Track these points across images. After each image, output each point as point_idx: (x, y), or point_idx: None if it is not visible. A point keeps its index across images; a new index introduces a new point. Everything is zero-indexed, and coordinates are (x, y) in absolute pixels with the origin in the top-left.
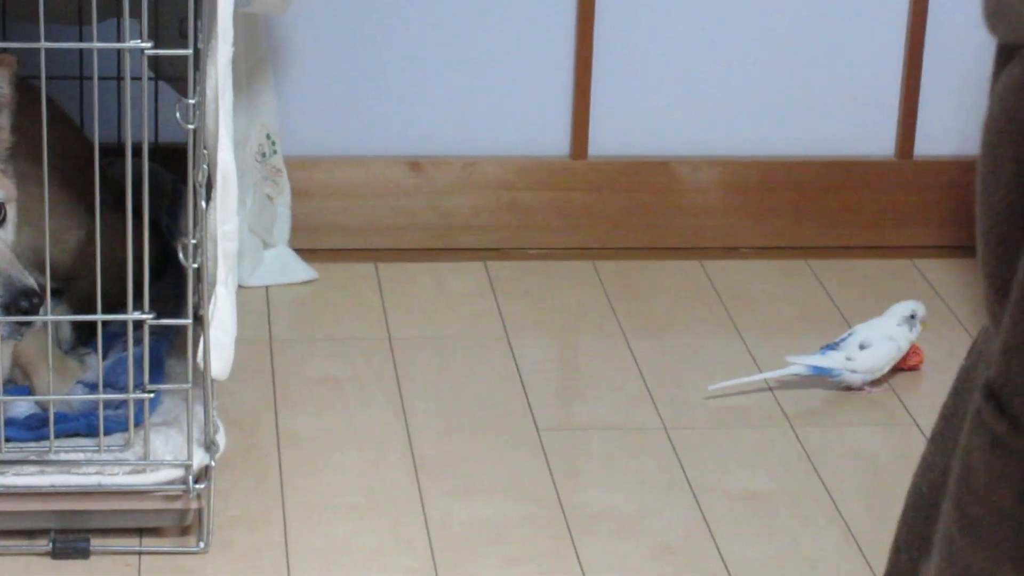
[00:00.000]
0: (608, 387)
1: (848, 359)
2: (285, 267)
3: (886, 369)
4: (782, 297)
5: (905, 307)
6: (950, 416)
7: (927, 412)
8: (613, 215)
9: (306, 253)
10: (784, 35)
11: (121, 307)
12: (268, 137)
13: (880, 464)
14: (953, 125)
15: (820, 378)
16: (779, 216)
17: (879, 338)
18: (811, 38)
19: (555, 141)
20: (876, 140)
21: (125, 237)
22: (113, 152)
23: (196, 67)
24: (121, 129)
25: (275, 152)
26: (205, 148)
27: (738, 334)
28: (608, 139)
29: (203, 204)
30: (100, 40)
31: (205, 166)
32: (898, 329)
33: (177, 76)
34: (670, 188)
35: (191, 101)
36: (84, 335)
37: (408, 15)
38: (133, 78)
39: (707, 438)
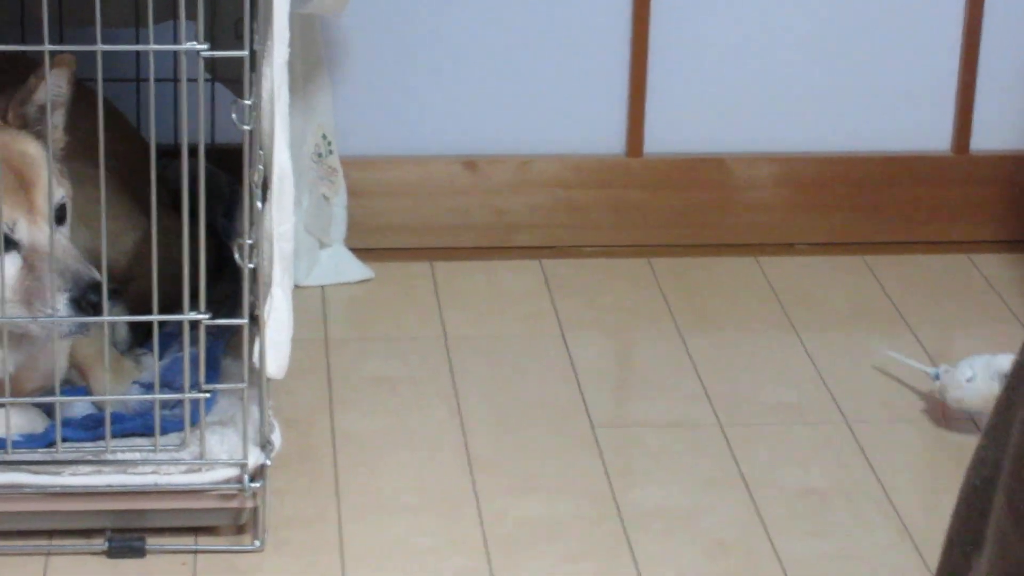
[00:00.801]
0: (663, 384)
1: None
2: (341, 266)
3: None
4: (838, 293)
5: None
6: (1004, 410)
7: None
8: (668, 212)
9: (362, 252)
10: (839, 29)
11: (177, 308)
12: (324, 137)
13: (935, 461)
14: (1009, 119)
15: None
16: (835, 212)
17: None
18: (866, 32)
19: (611, 139)
20: (932, 135)
21: (181, 238)
22: (169, 154)
23: (252, 68)
24: (177, 130)
25: (331, 152)
26: (261, 149)
27: (794, 331)
28: (663, 136)
29: (259, 204)
30: (157, 42)
31: (261, 167)
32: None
33: (233, 78)
34: (725, 185)
35: (247, 102)
36: (140, 336)
37: (461, 14)
38: (189, 80)
39: (762, 435)
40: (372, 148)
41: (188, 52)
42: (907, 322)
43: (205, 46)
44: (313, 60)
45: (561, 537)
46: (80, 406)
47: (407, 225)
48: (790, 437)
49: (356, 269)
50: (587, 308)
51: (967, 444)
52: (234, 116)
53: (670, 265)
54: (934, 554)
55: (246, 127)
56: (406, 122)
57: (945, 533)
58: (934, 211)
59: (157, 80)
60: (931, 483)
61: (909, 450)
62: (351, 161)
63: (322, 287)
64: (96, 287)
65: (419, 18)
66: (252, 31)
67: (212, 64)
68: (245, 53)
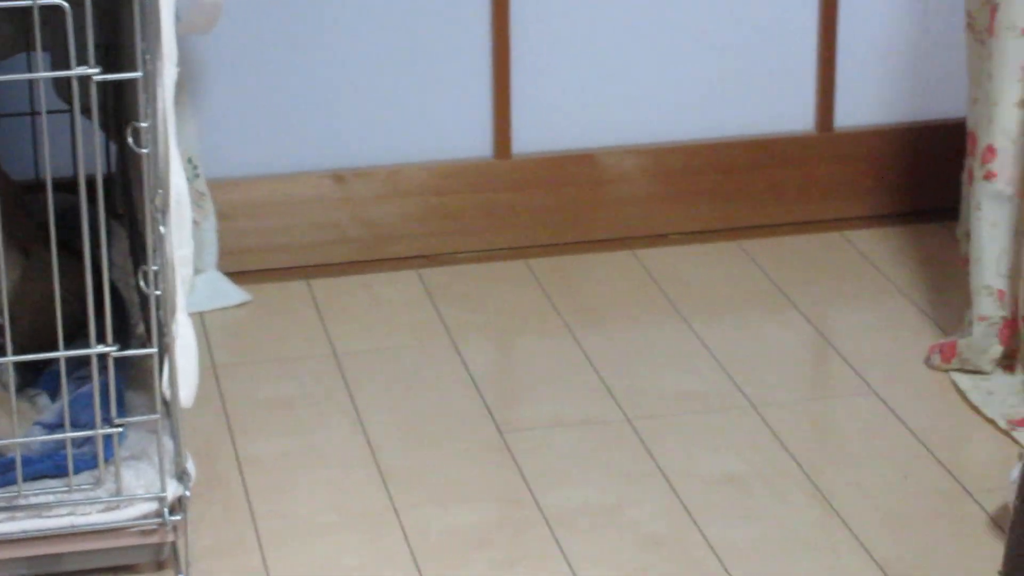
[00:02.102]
0: (563, 383)
1: None
2: (217, 292)
3: None
4: (719, 279)
5: None
6: None
7: (883, 380)
8: (541, 212)
9: (237, 276)
10: (696, 16)
11: (69, 343)
12: (190, 161)
13: (846, 435)
14: (871, 94)
15: None
16: (706, 199)
17: None
18: (723, 17)
19: (478, 142)
20: (796, 116)
21: (64, 273)
22: (33, 188)
23: (146, 90)
24: (39, 163)
25: (197, 176)
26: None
27: (683, 320)
28: (531, 136)
29: (162, 229)
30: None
31: (160, 191)
32: None
33: (89, 107)
34: (596, 180)
35: (143, 124)
36: (29, 376)
37: (321, 28)
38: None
39: (671, 425)
40: (238, 169)
41: (79, 77)
42: (791, 301)
43: (97, 70)
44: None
45: (489, 544)
46: None
47: (280, 244)
48: (700, 425)
49: (233, 293)
50: (472, 314)
51: (877, 417)
52: (130, 140)
53: (548, 264)
54: (862, 527)
55: (144, 150)
56: (271, 140)
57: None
58: (803, 191)
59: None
60: (846, 458)
61: (819, 428)
62: (218, 184)
63: (200, 314)
64: None
65: (278, 34)
66: (144, 52)
67: (68, 93)
68: (140, 74)
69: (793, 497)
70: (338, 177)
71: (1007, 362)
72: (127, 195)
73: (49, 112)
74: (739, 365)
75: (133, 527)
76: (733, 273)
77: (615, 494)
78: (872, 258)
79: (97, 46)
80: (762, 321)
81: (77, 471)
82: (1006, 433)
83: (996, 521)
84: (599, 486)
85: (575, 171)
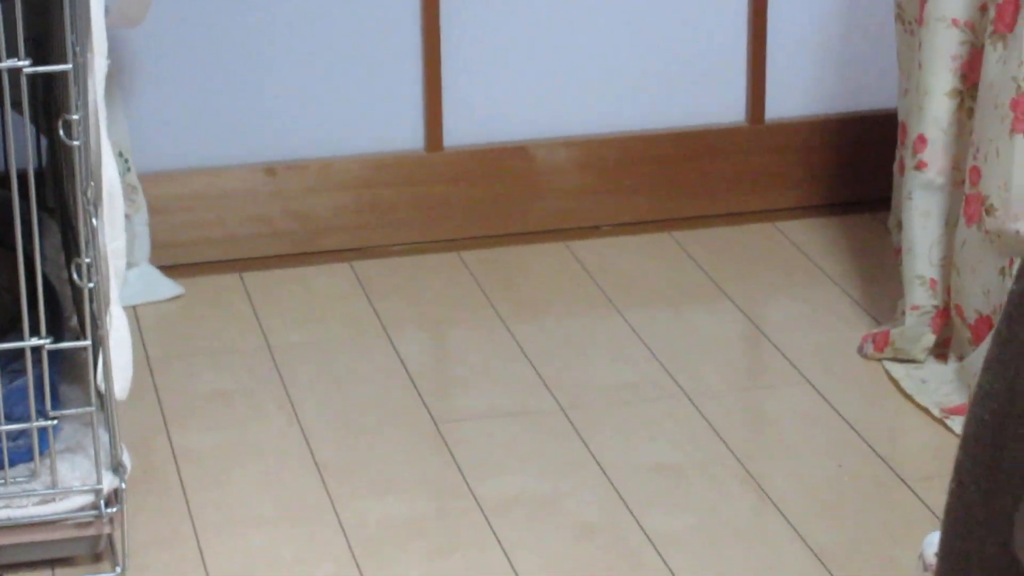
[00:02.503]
0: (498, 375)
1: None
2: (150, 285)
3: None
4: (652, 271)
5: None
6: (1006, 342)
7: (817, 370)
8: (474, 204)
9: (169, 269)
10: (628, 10)
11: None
12: (120, 155)
13: (781, 425)
14: (801, 86)
15: None
16: (639, 191)
17: None
18: (655, 11)
19: (409, 135)
20: (728, 107)
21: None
22: None
23: (76, 82)
24: None
25: (129, 170)
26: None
27: (616, 310)
28: (462, 128)
29: (94, 222)
30: None
31: (92, 184)
32: None
33: (16, 100)
34: (528, 172)
35: (75, 117)
36: None
37: (250, 20)
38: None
39: (605, 416)
40: (169, 162)
41: (9, 70)
42: (724, 292)
43: (27, 62)
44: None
45: (426, 534)
46: None
47: (212, 238)
48: (634, 415)
49: (165, 287)
50: (406, 306)
51: (810, 405)
52: (61, 133)
53: (481, 257)
54: (798, 516)
55: (75, 142)
56: (202, 133)
57: (953, 470)
58: (736, 183)
59: None
60: (781, 447)
61: (753, 417)
62: (149, 177)
63: (134, 307)
64: None
65: (208, 27)
66: (74, 44)
67: None
68: (70, 66)
69: (728, 486)
70: (269, 170)
71: (940, 351)
72: (58, 189)
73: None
74: (673, 356)
75: (69, 519)
76: (666, 265)
77: (551, 484)
78: (805, 249)
79: (26, 39)
80: (696, 312)
81: (12, 464)
82: (940, 421)
83: (931, 509)
84: (535, 476)
85: (507, 163)
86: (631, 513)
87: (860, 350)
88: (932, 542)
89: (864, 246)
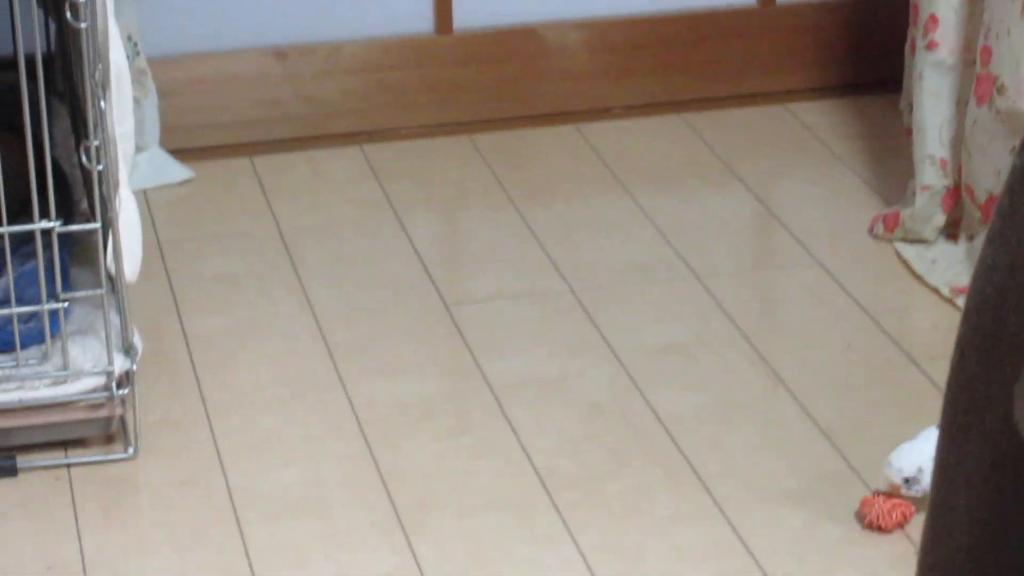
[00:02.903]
0: (508, 257)
1: None
2: (160, 169)
3: None
4: (663, 153)
5: None
6: (1008, 215)
7: (827, 250)
8: (484, 87)
9: (179, 153)
10: None
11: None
12: (129, 39)
13: (790, 305)
14: None
15: None
16: (649, 73)
17: None
18: None
19: (419, 17)
20: None
21: (6, 151)
22: None
23: None
24: None
25: (138, 54)
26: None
27: (627, 192)
28: (472, 11)
29: (102, 104)
30: None
31: (100, 66)
32: None
33: None
34: (538, 54)
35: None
36: None
37: None
38: None
39: (616, 297)
40: (178, 46)
41: None
42: (735, 174)
43: None
44: None
45: (436, 415)
46: None
47: (222, 122)
48: (643, 296)
49: (176, 170)
50: (417, 189)
51: (820, 286)
52: (68, 15)
53: (492, 140)
54: (807, 395)
55: (83, 25)
56: (211, 16)
57: (955, 343)
58: (746, 64)
59: None
60: (792, 327)
61: (763, 298)
62: (158, 61)
63: (144, 191)
64: None
65: None
66: None
67: None
68: None
69: (737, 366)
70: (279, 54)
71: (950, 231)
72: (67, 73)
73: None
74: (683, 237)
75: (81, 401)
76: (677, 146)
77: (560, 364)
78: (815, 130)
79: None
80: (706, 193)
81: (24, 347)
82: (949, 301)
83: (939, 388)
84: (544, 357)
85: (517, 46)
86: (640, 393)
87: (870, 231)
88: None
89: (875, 127)
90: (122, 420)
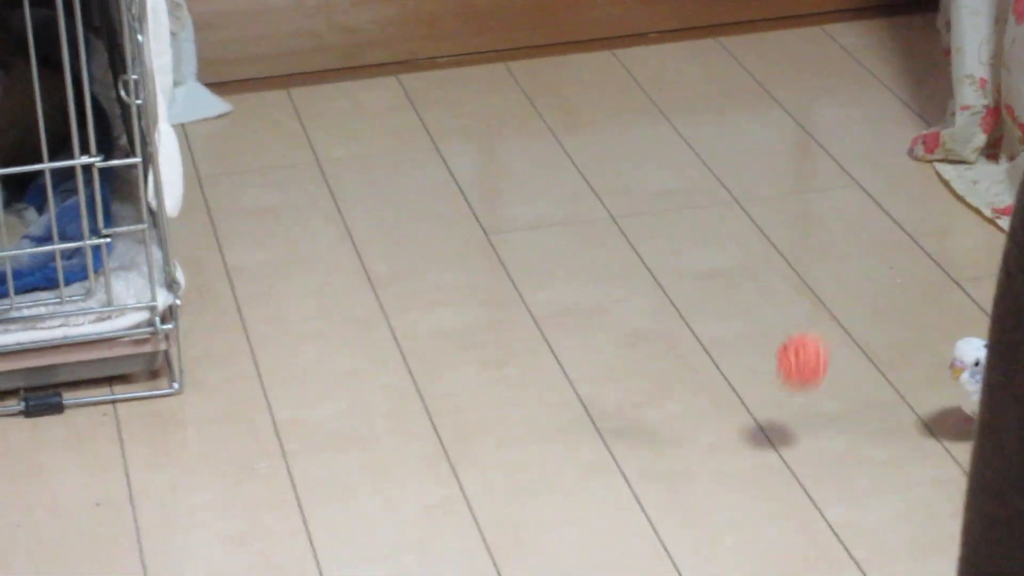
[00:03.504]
0: (547, 184)
1: None
2: (197, 103)
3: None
4: (700, 77)
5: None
6: None
7: (867, 172)
8: (519, 14)
9: (216, 87)
10: None
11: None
12: None
13: (831, 228)
14: None
15: None
16: None
17: None
18: None
19: None
20: None
21: (43, 87)
22: (10, 3)
23: None
24: None
25: None
26: None
27: (665, 118)
28: None
29: (140, 38)
30: None
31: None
32: None
33: None
34: None
35: None
36: (15, 191)
37: None
38: None
39: (656, 223)
40: None
41: None
42: (773, 97)
43: None
44: None
45: (478, 344)
46: None
47: (258, 54)
48: (684, 222)
49: (213, 104)
50: (454, 118)
51: (862, 208)
52: None
53: (528, 67)
54: (849, 318)
55: None
56: None
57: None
58: None
59: None
60: (833, 250)
61: (803, 221)
62: None
63: (182, 125)
64: None
65: None
66: None
67: None
68: None
69: (779, 290)
70: None
71: (990, 151)
72: (103, 7)
73: None
74: (722, 161)
75: (125, 336)
76: (714, 70)
77: (601, 292)
78: (853, 52)
79: None
80: (744, 117)
81: (67, 283)
82: (991, 221)
83: (982, 308)
84: (585, 285)
85: None
86: (682, 319)
87: (910, 152)
88: (962, 347)
89: (913, 47)
90: (166, 355)
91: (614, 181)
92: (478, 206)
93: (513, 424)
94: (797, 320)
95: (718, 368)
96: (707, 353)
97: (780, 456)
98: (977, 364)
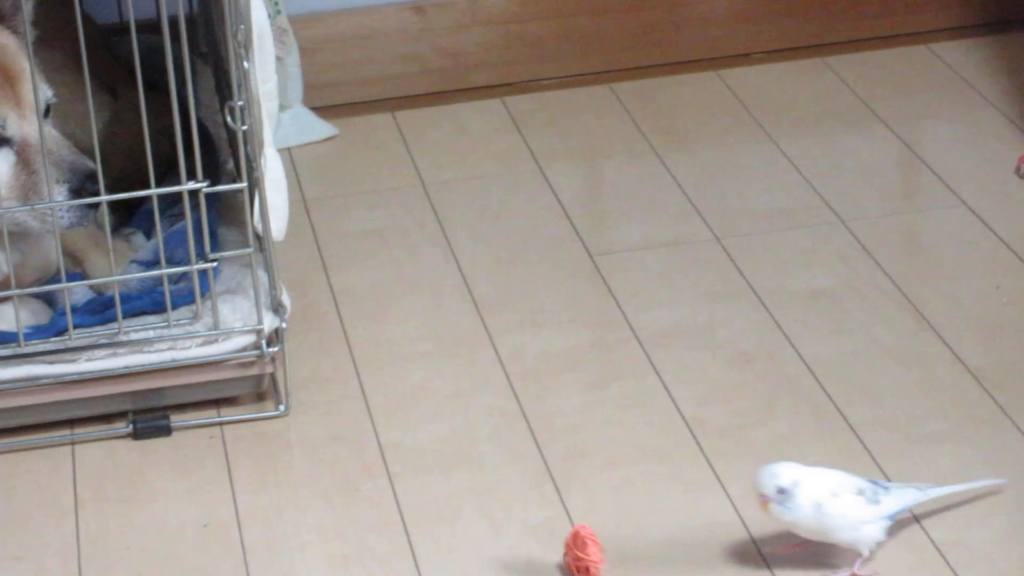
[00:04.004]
0: (651, 206)
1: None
2: (304, 127)
3: None
4: (804, 97)
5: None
6: None
7: (973, 191)
8: (624, 35)
9: (322, 110)
10: None
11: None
12: None
13: (937, 247)
14: None
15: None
16: (789, 16)
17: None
18: None
19: None
20: None
21: (151, 113)
22: (117, 31)
23: None
24: (122, 5)
25: (279, 12)
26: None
27: (769, 138)
28: None
29: (245, 64)
30: None
31: (242, 26)
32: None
33: None
34: (677, 1)
35: None
36: (123, 216)
37: None
38: None
39: (760, 243)
40: (318, 4)
41: None
42: (879, 117)
43: None
44: None
45: (583, 366)
46: (79, 293)
47: (363, 78)
48: (788, 242)
49: (319, 127)
50: (558, 140)
51: (967, 226)
52: None
53: (632, 88)
54: (955, 338)
55: None
56: None
57: None
58: (887, 4)
59: None
60: (938, 271)
61: (909, 241)
62: (299, 19)
63: (288, 149)
64: (93, 176)
65: None
66: None
67: None
68: None
69: (885, 310)
70: (418, 8)
71: None
72: (209, 33)
73: None
74: (827, 181)
75: (232, 359)
76: (818, 90)
77: (706, 313)
78: (959, 70)
79: None
80: (849, 137)
81: (175, 307)
82: None
83: None
84: (690, 305)
85: None
86: (788, 340)
87: (1017, 170)
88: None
89: (1019, 65)
90: (272, 377)
91: (719, 202)
92: (583, 227)
93: (618, 444)
94: (902, 339)
95: (823, 388)
96: (812, 373)
97: (885, 475)
98: (781, 492)
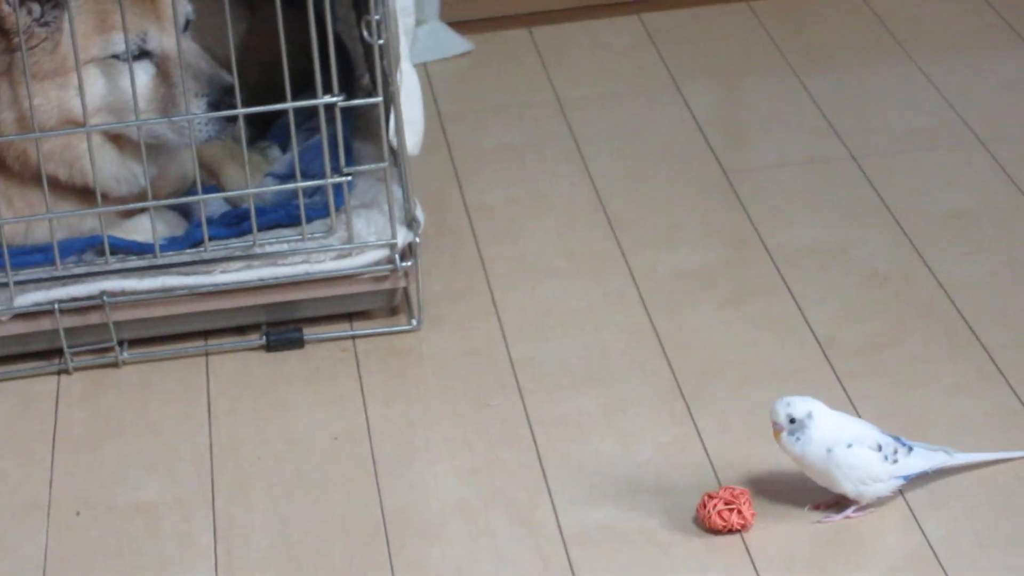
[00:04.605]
0: (788, 123)
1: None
2: (440, 42)
3: None
4: (946, 15)
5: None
6: None
7: None
8: None
9: (458, 26)
10: None
11: (294, 96)
12: None
13: None
14: None
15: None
16: None
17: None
18: None
19: None
20: None
21: (287, 27)
22: None
23: None
24: None
25: None
26: None
27: (909, 58)
28: None
29: None
30: None
31: None
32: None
33: None
34: None
35: None
36: (259, 129)
37: None
38: None
39: (898, 163)
40: None
41: None
42: (1020, 35)
43: None
44: None
45: (716, 284)
46: (214, 205)
47: None
48: (927, 163)
49: (455, 43)
50: (695, 57)
51: None
52: None
53: (770, 6)
54: None
55: None
56: None
57: None
58: None
59: None
60: None
61: None
62: None
63: (424, 64)
64: (230, 90)
65: None
66: None
67: None
68: None
69: (1023, 232)
70: None
71: None
72: None
73: None
74: (967, 101)
75: (365, 273)
76: (960, 8)
77: (841, 232)
78: None
79: None
80: (991, 56)
81: (309, 220)
82: None
83: None
84: (825, 224)
85: None
86: (923, 260)
87: None
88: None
89: None
90: (405, 292)
91: (856, 121)
92: (718, 145)
93: (750, 363)
94: None
95: (958, 310)
96: (947, 294)
97: (1019, 399)
98: (793, 422)
